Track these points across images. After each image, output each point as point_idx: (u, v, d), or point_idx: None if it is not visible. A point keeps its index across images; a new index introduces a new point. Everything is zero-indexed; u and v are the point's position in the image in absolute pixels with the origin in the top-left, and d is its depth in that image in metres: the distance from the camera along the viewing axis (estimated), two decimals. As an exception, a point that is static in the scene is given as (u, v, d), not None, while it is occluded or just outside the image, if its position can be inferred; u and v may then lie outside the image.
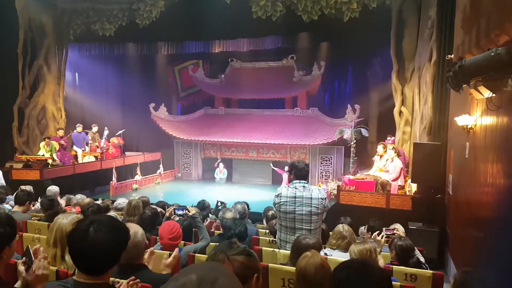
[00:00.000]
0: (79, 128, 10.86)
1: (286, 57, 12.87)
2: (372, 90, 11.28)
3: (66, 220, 2.25)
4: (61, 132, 10.18)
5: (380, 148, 7.68)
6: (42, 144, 9.74)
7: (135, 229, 2.21)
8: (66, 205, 5.31)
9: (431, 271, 2.88)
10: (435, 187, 5.94)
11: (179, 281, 0.64)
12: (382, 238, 3.50)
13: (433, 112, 6.50)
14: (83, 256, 1.40)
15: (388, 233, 3.67)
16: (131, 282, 1.70)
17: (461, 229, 4.59)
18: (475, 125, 3.99)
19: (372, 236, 3.63)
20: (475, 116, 4.00)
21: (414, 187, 6.71)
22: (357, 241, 3.24)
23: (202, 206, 5.29)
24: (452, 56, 4.51)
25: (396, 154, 7.14)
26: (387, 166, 7.28)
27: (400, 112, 8.24)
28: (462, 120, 4.21)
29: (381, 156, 7.64)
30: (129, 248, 2.06)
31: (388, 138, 8.54)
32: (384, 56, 9.03)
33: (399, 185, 7.26)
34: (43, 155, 9.56)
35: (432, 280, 2.82)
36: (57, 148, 9.80)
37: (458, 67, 3.02)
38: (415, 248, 3.24)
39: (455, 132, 5.23)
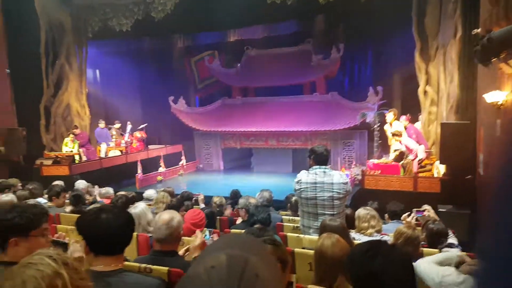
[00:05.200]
0: (101, 124, 11.12)
1: (302, 42, 12.60)
2: (394, 70, 10.93)
3: None
4: (77, 131, 10.42)
5: (390, 115, 7.70)
6: (67, 139, 10.00)
7: (173, 215, 2.27)
8: (99, 198, 5.50)
9: (464, 253, 2.79)
10: (465, 168, 5.75)
11: (207, 263, 0.58)
12: (412, 219, 3.42)
13: (460, 90, 6.25)
14: (97, 237, 1.60)
15: (418, 214, 3.55)
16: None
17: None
18: (506, 100, 3.80)
19: (402, 218, 3.54)
20: (506, 92, 3.81)
21: (442, 168, 6.51)
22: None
23: (235, 195, 5.41)
24: (479, 30, 4.29)
25: (399, 137, 7.05)
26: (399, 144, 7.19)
27: (425, 92, 7.97)
28: (491, 97, 4.02)
29: (391, 124, 7.71)
30: (163, 229, 2.13)
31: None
32: (405, 35, 8.69)
33: (419, 160, 7.04)
34: (71, 151, 9.85)
35: (464, 262, 2.74)
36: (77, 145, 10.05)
37: (486, 40, 2.87)
38: (448, 232, 3.13)
39: (484, 110, 5.01)
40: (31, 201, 3.83)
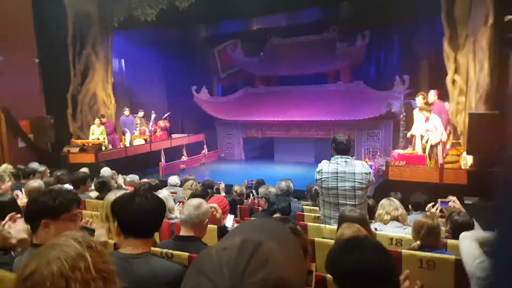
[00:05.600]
0: (126, 111, 11.37)
1: (327, 30, 12.32)
2: (421, 59, 10.57)
3: (114, 196, 2.40)
4: (101, 120, 10.60)
5: (419, 98, 7.22)
6: (93, 126, 10.28)
7: (202, 201, 2.35)
8: (123, 184, 5.68)
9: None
10: (493, 159, 5.55)
11: (223, 244, 0.59)
12: (437, 210, 3.35)
13: (490, 79, 6.01)
14: (130, 219, 1.67)
15: (443, 205, 3.46)
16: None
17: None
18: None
19: (426, 209, 3.46)
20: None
21: (469, 159, 6.31)
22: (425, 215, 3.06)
23: (259, 184, 5.52)
24: (513, 15, 4.08)
25: (429, 112, 6.57)
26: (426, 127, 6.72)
27: (454, 81, 7.69)
28: (524, 86, 3.84)
29: (420, 109, 7.03)
30: (191, 211, 2.25)
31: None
32: (433, 23, 8.38)
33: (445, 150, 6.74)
34: (98, 138, 10.13)
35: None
36: (106, 140, 10.33)
37: (522, 25, 2.73)
38: (474, 223, 3.04)
39: (516, 100, 4.80)
40: (57, 187, 3.99)
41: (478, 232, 2.04)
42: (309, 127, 11.93)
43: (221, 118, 12.85)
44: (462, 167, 6.49)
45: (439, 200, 3.57)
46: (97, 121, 10.33)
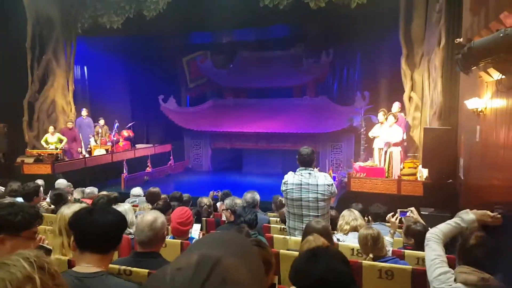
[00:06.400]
0: (84, 112, 11.00)
1: (294, 46, 12.73)
2: (381, 76, 11.14)
3: (68, 210, 2.32)
4: (70, 124, 10.30)
5: (380, 115, 7.77)
6: (47, 134, 9.72)
7: (158, 216, 2.25)
8: (80, 198, 5.44)
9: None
10: (447, 172, 5.90)
11: (178, 263, 0.55)
12: (396, 220, 3.50)
13: (443, 97, 6.42)
14: (86, 233, 1.60)
15: (402, 215, 3.63)
16: None
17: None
18: (485, 108, 3.94)
19: (386, 218, 3.62)
20: (485, 99, 3.95)
21: (425, 172, 6.67)
22: (365, 226, 3.24)
23: (226, 196, 5.45)
24: (461, 39, 4.43)
25: (395, 120, 7.24)
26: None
27: (410, 98, 8.14)
28: (472, 104, 4.16)
29: (381, 123, 7.73)
30: (146, 231, 2.15)
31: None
32: (392, 42, 8.86)
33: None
34: (56, 148, 9.63)
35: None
36: (64, 141, 9.81)
37: (467, 49, 2.98)
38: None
39: (465, 116, 5.16)
40: (7, 200, 3.76)
41: (443, 226, 2.07)
42: (276, 139, 12.12)
43: (189, 129, 12.75)
44: (419, 179, 6.85)
45: (398, 210, 3.73)
46: (51, 128, 9.78)
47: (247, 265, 0.58)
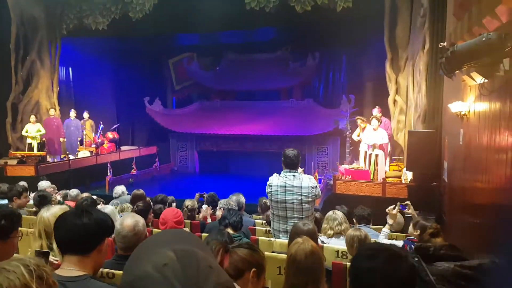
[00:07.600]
0: (72, 113, 10.84)
1: (280, 48, 12.78)
2: (366, 79, 11.26)
3: (48, 212, 2.30)
4: (52, 112, 10.08)
5: (359, 123, 7.95)
6: (28, 124, 9.58)
7: (137, 219, 2.25)
8: (64, 200, 5.33)
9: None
10: (431, 174, 5.98)
11: (155, 261, 0.54)
12: (396, 211, 3.57)
13: (427, 100, 6.52)
14: (67, 235, 1.59)
15: (402, 208, 3.77)
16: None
17: (456, 215, 4.64)
18: (469, 111, 4.00)
19: (387, 210, 3.68)
20: (468, 102, 4.01)
21: (409, 175, 6.75)
22: (353, 227, 3.26)
23: (212, 199, 5.44)
24: (445, 43, 4.51)
25: (379, 123, 7.43)
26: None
27: (395, 101, 8.25)
28: (455, 107, 4.22)
29: (363, 129, 7.91)
30: (129, 236, 2.13)
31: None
32: (378, 46, 8.97)
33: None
34: (34, 136, 9.47)
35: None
36: (42, 132, 9.67)
37: (450, 53, 3.02)
38: None
39: (449, 119, 5.25)
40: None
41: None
42: (262, 141, 12.12)
43: (175, 131, 12.66)
44: (403, 181, 6.94)
45: (398, 203, 3.88)
46: (32, 118, 9.62)
47: (211, 255, 0.63)
